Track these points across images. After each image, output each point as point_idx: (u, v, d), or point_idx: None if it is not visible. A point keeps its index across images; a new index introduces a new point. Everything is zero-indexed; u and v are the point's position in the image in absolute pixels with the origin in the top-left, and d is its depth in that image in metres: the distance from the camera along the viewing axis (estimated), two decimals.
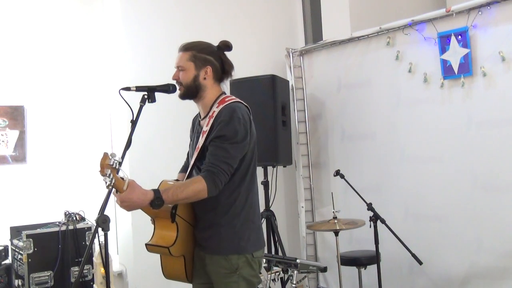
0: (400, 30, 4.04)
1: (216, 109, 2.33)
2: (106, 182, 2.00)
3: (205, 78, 2.38)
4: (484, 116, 3.60)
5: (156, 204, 2.11)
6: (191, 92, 2.38)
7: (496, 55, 3.50)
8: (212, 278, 2.35)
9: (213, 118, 2.30)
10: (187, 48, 2.39)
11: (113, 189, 2.07)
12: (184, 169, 2.64)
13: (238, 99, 2.41)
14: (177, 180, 2.55)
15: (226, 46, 2.43)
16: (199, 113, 2.53)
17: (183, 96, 2.41)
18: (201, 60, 2.37)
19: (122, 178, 2.05)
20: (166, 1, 4.42)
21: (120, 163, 2.02)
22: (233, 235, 2.31)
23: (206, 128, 2.32)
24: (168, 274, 2.39)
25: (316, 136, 4.80)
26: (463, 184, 3.69)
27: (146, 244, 2.29)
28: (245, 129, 2.30)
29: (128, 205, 2.11)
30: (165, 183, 2.34)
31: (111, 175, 1.99)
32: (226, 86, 2.51)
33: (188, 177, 2.36)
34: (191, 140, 2.60)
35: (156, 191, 2.12)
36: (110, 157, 1.99)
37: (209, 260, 2.33)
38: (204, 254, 2.35)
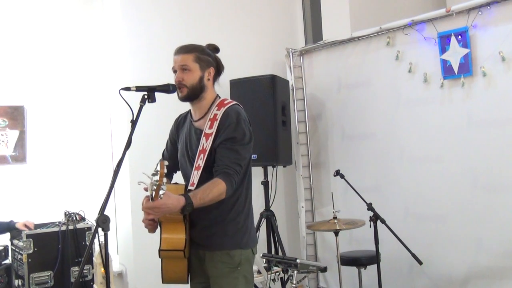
0: (400, 30, 4.04)
1: (217, 112, 2.35)
2: (162, 189, 1.99)
3: (208, 79, 2.41)
4: (484, 116, 3.60)
5: (187, 209, 2.13)
6: (195, 93, 2.39)
7: (496, 55, 3.50)
8: (210, 275, 2.36)
9: (218, 121, 2.33)
10: (189, 50, 2.40)
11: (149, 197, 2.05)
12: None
13: (235, 102, 2.46)
14: (176, 183, 2.55)
15: (214, 49, 2.49)
16: (189, 114, 2.53)
17: (186, 98, 2.40)
18: (205, 61, 2.40)
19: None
20: (166, 1, 4.42)
21: None
22: (237, 231, 2.36)
23: (210, 131, 2.33)
24: (169, 278, 2.38)
25: (316, 136, 4.80)
26: (463, 184, 3.69)
27: (159, 251, 2.28)
28: (249, 130, 2.38)
29: (162, 212, 2.10)
30: (167, 187, 2.34)
31: (165, 183, 2.00)
32: (219, 86, 2.53)
33: (201, 178, 2.32)
34: (170, 140, 2.61)
35: (187, 197, 2.14)
36: (165, 165, 1.99)
37: (209, 258, 2.35)
38: (203, 252, 2.37)
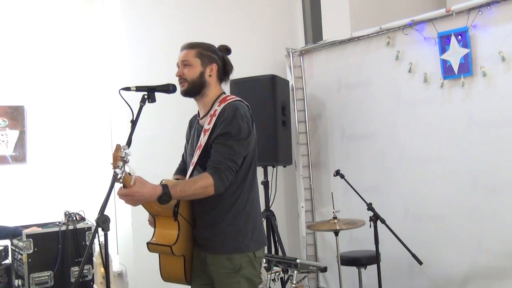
0: (400, 30, 4.04)
1: (218, 108, 2.35)
2: (118, 175, 1.99)
3: (210, 75, 2.41)
4: (484, 116, 3.59)
5: (163, 199, 2.11)
6: (196, 88, 2.39)
7: (496, 55, 3.50)
8: (213, 278, 2.35)
9: (216, 117, 2.32)
10: (192, 46, 2.42)
11: (121, 183, 2.06)
12: (179, 171, 2.63)
13: (239, 98, 2.43)
14: (177, 179, 2.55)
15: (226, 50, 2.49)
16: (197, 113, 2.55)
17: (186, 93, 2.40)
18: (208, 58, 2.40)
19: (129, 173, 2.05)
20: (166, 1, 4.43)
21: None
22: (236, 233, 2.32)
23: (208, 126, 2.32)
24: (167, 276, 2.38)
25: (316, 136, 4.79)
26: (463, 184, 3.69)
27: (147, 243, 2.28)
28: (248, 126, 2.33)
29: (136, 200, 2.10)
30: (166, 182, 2.34)
31: (123, 168, 1.99)
32: (226, 87, 2.54)
33: (191, 175, 2.35)
34: (187, 141, 2.61)
35: (165, 187, 2.12)
36: (122, 149, 1.99)
37: (210, 260, 2.33)
38: (205, 254, 2.35)
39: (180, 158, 2.69)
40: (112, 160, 1.98)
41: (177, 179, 2.54)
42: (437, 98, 3.84)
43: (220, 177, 2.20)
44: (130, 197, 2.08)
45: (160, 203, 2.12)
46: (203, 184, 2.18)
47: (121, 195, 2.08)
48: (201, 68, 2.38)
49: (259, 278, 2.39)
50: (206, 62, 2.39)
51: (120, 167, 1.98)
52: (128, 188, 2.05)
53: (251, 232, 2.35)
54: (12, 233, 3.71)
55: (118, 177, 2.00)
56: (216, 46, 2.49)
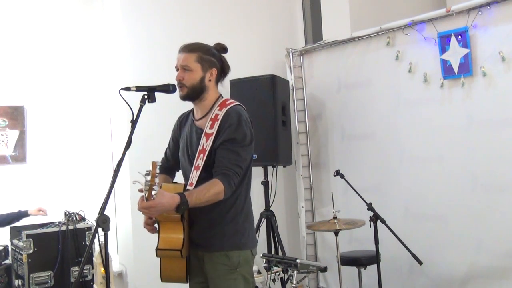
0: (400, 30, 4.04)
1: (219, 112, 2.35)
2: (154, 189, 2.02)
3: (210, 80, 2.40)
4: (484, 116, 3.59)
5: (182, 208, 2.13)
6: (196, 93, 2.39)
7: (496, 55, 3.50)
8: (209, 276, 2.36)
9: (219, 121, 2.33)
10: (192, 49, 2.39)
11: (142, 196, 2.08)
12: (164, 170, 2.58)
13: (237, 102, 2.45)
14: (175, 182, 2.55)
15: (222, 48, 2.48)
16: (191, 113, 2.54)
17: (186, 97, 2.40)
18: (208, 62, 2.39)
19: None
20: (166, 1, 4.43)
21: None
22: (236, 232, 2.35)
23: (210, 131, 2.33)
24: (167, 277, 2.38)
25: (316, 136, 4.80)
26: (463, 184, 3.69)
27: (156, 250, 2.29)
28: (251, 131, 2.37)
29: (157, 211, 2.11)
30: (165, 186, 2.34)
31: (157, 183, 2.02)
32: (222, 87, 2.53)
33: (200, 178, 2.32)
34: (173, 139, 2.61)
35: (182, 196, 2.14)
36: (157, 166, 2.01)
37: (208, 258, 2.35)
38: (202, 253, 2.37)
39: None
40: (150, 178, 2.00)
41: (175, 182, 2.54)
42: (437, 98, 3.83)
43: (229, 183, 2.23)
44: (153, 209, 2.08)
45: (178, 211, 2.14)
46: (216, 191, 2.21)
47: (144, 208, 2.09)
48: (201, 73, 2.37)
49: (253, 277, 2.43)
50: (206, 67, 2.38)
51: (157, 183, 2.02)
52: (150, 200, 2.05)
53: (248, 231, 2.41)
54: (16, 216, 3.71)
55: (154, 193, 2.02)
56: (218, 44, 2.48)
